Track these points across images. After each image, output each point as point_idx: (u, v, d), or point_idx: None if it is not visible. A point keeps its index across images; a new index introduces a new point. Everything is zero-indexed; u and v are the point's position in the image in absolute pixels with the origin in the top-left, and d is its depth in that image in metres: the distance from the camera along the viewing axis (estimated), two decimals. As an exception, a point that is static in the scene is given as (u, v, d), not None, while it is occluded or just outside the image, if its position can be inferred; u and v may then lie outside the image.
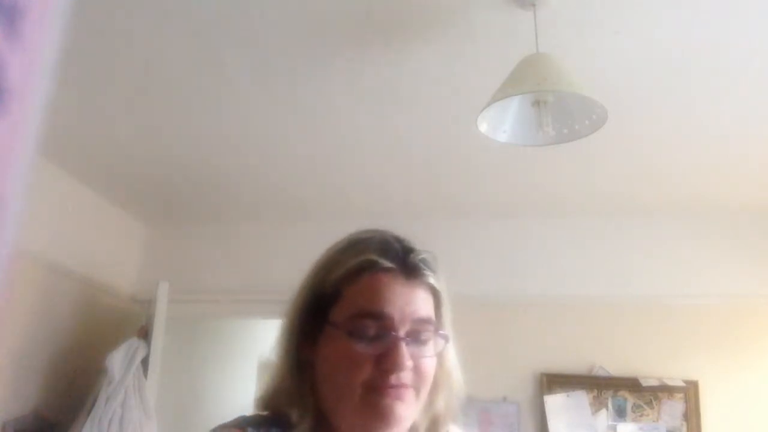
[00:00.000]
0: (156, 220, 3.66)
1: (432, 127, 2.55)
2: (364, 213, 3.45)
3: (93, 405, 2.88)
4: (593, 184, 3.02)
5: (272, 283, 3.48)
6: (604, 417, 3.09)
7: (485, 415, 3.16)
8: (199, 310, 3.53)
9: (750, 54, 2.02)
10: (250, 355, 4.63)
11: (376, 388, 0.80)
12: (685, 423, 3.02)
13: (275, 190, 3.22)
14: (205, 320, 3.90)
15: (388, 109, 2.43)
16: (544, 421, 3.11)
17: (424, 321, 0.84)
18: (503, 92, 1.71)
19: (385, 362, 0.80)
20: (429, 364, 0.84)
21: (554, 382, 3.16)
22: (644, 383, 3.08)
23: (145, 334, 3.11)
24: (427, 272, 0.86)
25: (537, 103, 1.78)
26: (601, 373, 3.15)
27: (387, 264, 0.84)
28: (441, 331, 0.87)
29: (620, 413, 3.09)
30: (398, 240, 0.89)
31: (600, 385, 3.13)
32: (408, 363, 0.81)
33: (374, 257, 0.85)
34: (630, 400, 3.09)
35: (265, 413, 0.87)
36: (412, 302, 0.84)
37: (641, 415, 3.07)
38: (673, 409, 3.05)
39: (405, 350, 0.81)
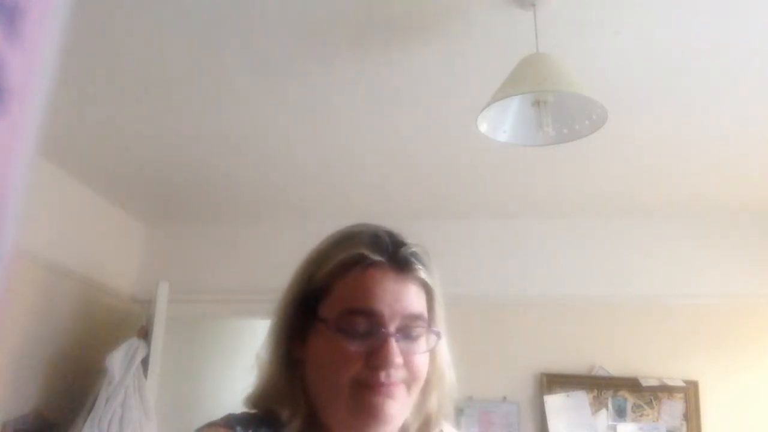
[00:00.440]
0: (156, 220, 3.66)
1: (432, 127, 2.55)
2: (364, 213, 3.43)
3: (93, 405, 2.88)
4: (593, 184, 3.02)
5: (272, 283, 3.46)
6: (604, 417, 3.09)
7: (485, 415, 3.16)
8: (199, 310, 3.53)
9: (750, 54, 2.02)
10: (250, 355, 4.62)
11: (366, 385, 0.79)
12: (685, 423, 3.02)
13: (275, 190, 3.22)
14: (205, 320, 3.90)
15: (388, 109, 2.43)
16: (544, 421, 3.11)
17: (415, 317, 0.82)
18: (503, 92, 1.71)
19: (374, 359, 0.78)
20: (420, 361, 0.82)
21: (554, 382, 3.16)
22: (644, 383, 3.08)
23: (145, 334, 3.11)
24: (418, 266, 0.84)
25: (537, 103, 1.78)
26: (601, 373, 3.15)
27: (376, 258, 0.82)
28: (433, 328, 0.85)
29: (620, 413, 3.09)
30: (389, 234, 0.87)
31: (600, 385, 3.13)
32: (398, 360, 0.79)
33: (364, 251, 0.83)
34: (630, 400, 3.09)
35: (253, 412, 0.86)
36: (402, 298, 0.82)
37: (641, 415, 3.07)
38: (673, 409, 3.05)
39: (395, 347, 0.79)
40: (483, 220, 3.44)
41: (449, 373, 0.88)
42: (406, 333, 0.81)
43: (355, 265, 0.82)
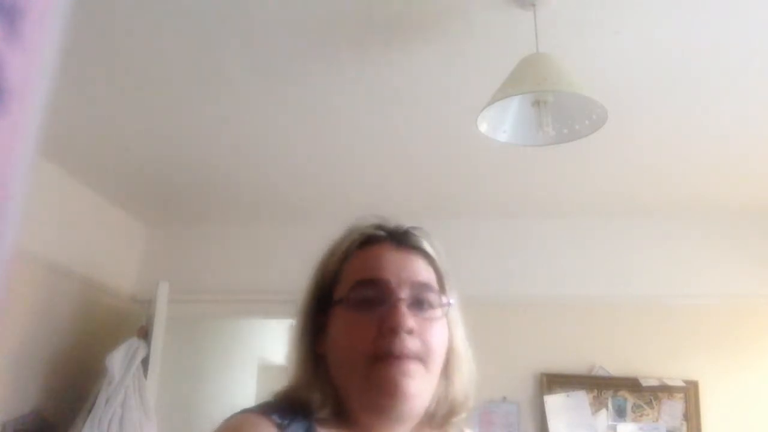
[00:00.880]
0: (156, 220, 3.66)
1: (432, 127, 2.55)
2: (364, 213, 3.44)
3: (93, 405, 2.87)
4: (593, 184, 3.02)
5: (272, 283, 3.48)
6: (604, 417, 3.09)
7: (485, 415, 3.16)
8: (199, 310, 3.53)
9: (750, 54, 2.02)
10: (250, 355, 4.63)
11: (380, 357, 0.77)
12: (685, 423, 3.02)
13: (275, 190, 3.22)
14: (205, 320, 3.90)
15: (388, 109, 2.43)
16: (544, 421, 3.11)
17: (425, 285, 0.82)
18: (503, 92, 1.71)
19: (385, 325, 0.78)
20: (435, 331, 0.81)
21: (554, 382, 3.16)
22: (644, 383, 3.08)
23: (145, 334, 3.11)
24: (421, 239, 0.86)
25: (537, 103, 1.78)
26: (601, 373, 3.15)
27: (378, 233, 0.86)
28: (445, 298, 0.84)
29: (620, 413, 3.09)
30: (391, 220, 0.90)
31: (600, 385, 3.13)
32: (409, 323, 0.78)
33: (365, 231, 0.86)
34: (630, 400, 3.09)
35: (286, 401, 0.85)
36: (408, 267, 0.83)
37: (641, 415, 3.07)
38: (673, 409, 3.05)
39: (405, 311, 0.79)
40: (483, 220, 3.44)
41: (468, 357, 0.88)
42: (418, 302, 0.81)
43: (359, 247, 0.85)
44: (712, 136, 2.54)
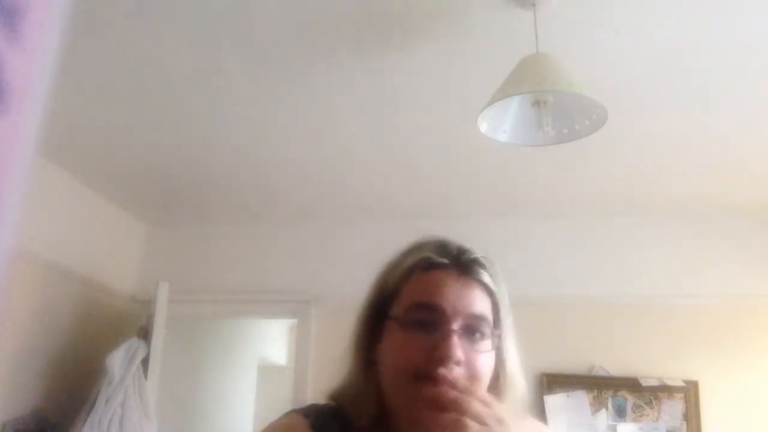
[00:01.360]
0: (156, 220, 3.66)
1: (432, 127, 2.55)
2: (364, 213, 3.45)
3: (93, 405, 2.87)
4: (593, 184, 3.02)
5: (272, 283, 3.49)
6: (604, 417, 3.09)
7: (485, 415, 3.15)
8: (199, 310, 3.54)
9: (750, 54, 2.02)
10: (250, 355, 4.63)
11: (427, 377, 0.80)
12: (685, 423, 3.02)
13: (275, 190, 3.22)
14: (205, 320, 3.91)
15: (388, 109, 2.43)
16: (544, 421, 3.11)
17: (479, 317, 0.85)
18: (503, 92, 1.71)
19: (436, 353, 0.80)
20: (482, 361, 0.84)
21: (554, 382, 3.16)
22: (644, 383, 3.08)
23: (145, 334, 3.11)
24: (482, 272, 0.88)
25: (537, 103, 1.78)
26: (601, 373, 3.15)
27: (441, 260, 0.87)
28: (497, 331, 0.87)
29: (620, 413, 3.09)
30: (456, 243, 0.92)
31: (600, 385, 3.13)
32: (458, 354, 0.80)
33: (429, 255, 0.88)
34: (630, 400, 3.10)
35: (332, 404, 0.91)
36: (465, 297, 0.85)
37: (641, 415, 3.07)
38: (673, 409, 3.05)
39: (456, 342, 0.81)
40: (483, 220, 3.44)
41: (520, 379, 0.91)
42: (470, 332, 0.84)
43: (422, 269, 0.88)
44: (712, 136, 2.54)
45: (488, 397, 0.79)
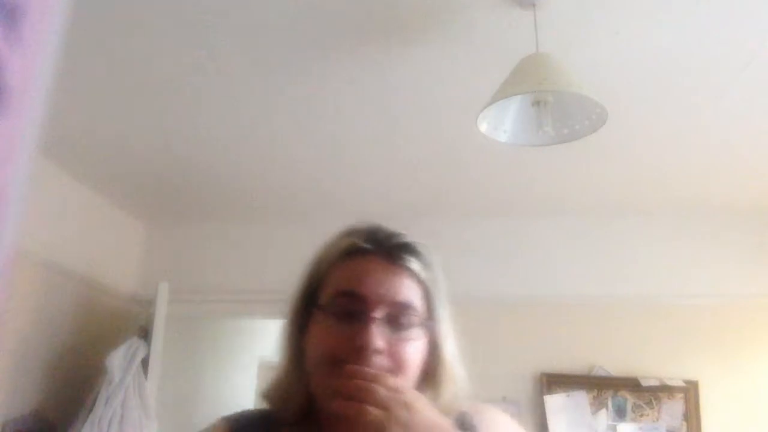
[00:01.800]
0: (156, 220, 3.66)
1: (432, 127, 2.55)
2: (364, 213, 3.44)
3: (93, 405, 2.87)
4: (593, 184, 3.02)
5: (272, 283, 3.48)
6: (604, 417, 3.09)
7: (485, 415, 3.15)
8: (199, 310, 3.54)
9: (750, 54, 2.02)
10: (250, 355, 4.63)
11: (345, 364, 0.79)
12: (685, 423, 3.02)
13: (275, 190, 3.22)
14: (205, 320, 3.90)
15: (387, 109, 2.43)
16: (544, 421, 3.11)
17: (404, 305, 0.82)
18: (503, 92, 1.71)
19: (354, 342, 0.79)
20: (408, 350, 0.81)
21: (554, 382, 3.16)
22: (644, 383, 3.08)
23: (145, 334, 3.11)
24: (410, 258, 0.85)
25: (537, 103, 1.78)
26: (601, 373, 3.15)
27: (368, 247, 0.86)
28: (427, 321, 0.85)
29: (620, 413, 3.09)
30: (387, 229, 0.90)
31: (600, 385, 3.13)
32: (377, 344, 0.78)
33: (357, 241, 0.87)
34: (630, 400, 3.09)
35: (262, 408, 0.89)
36: (390, 285, 0.83)
37: (641, 415, 3.07)
38: (673, 409, 3.05)
39: (375, 331, 0.79)
40: (483, 220, 3.44)
41: (459, 369, 0.88)
42: (394, 320, 0.82)
43: (348, 255, 0.86)
44: (711, 136, 2.54)
45: (399, 384, 0.77)
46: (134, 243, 3.63)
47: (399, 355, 0.81)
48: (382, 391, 0.74)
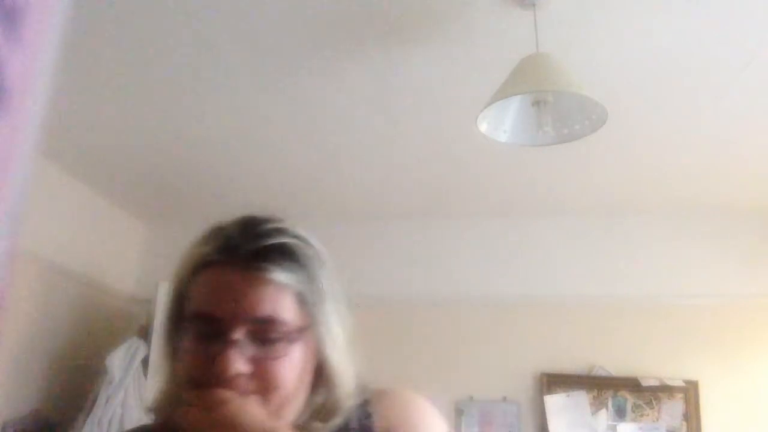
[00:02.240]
0: (156, 220, 3.66)
1: (432, 127, 2.55)
2: (364, 213, 3.45)
3: (93, 405, 2.87)
4: (593, 184, 3.02)
5: (272, 283, 3.48)
6: (604, 417, 3.09)
7: (485, 415, 3.16)
8: (199, 310, 3.53)
9: (750, 54, 2.02)
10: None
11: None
12: (685, 423, 3.02)
13: (274, 190, 3.22)
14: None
15: (387, 109, 2.43)
16: (544, 421, 3.11)
17: (267, 320, 0.74)
18: (503, 92, 1.71)
19: (212, 370, 0.72)
20: (276, 369, 0.74)
21: (554, 382, 3.16)
22: (644, 383, 3.08)
23: (145, 334, 3.11)
24: (271, 266, 0.75)
25: (537, 103, 1.78)
26: (601, 373, 3.15)
27: (222, 258, 0.77)
28: (301, 330, 0.76)
29: (620, 413, 3.09)
30: (248, 229, 0.79)
31: (600, 385, 3.13)
32: (235, 369, 0.72)
33: (208, 252, 0.78)
34: (630, 400, 3.10)
35: (148, 423, 0.85)
36: (247, 301, 0.74)
37: (641, 415, 3.07)
38: (673, 409, 3.05)
39: (232, 355, 0.72)
40: (483, 220, 3.44)
41: (345, 369, 0.80)
42: (259, 338, 0.74)
43: (204, 267, 0.78)
44: (711, 136, 2.54)
45: (249, 408, 0.71)
46: (134, 243, 3.63)
47: (267, 375, 0.74)
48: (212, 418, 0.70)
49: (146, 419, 0.87)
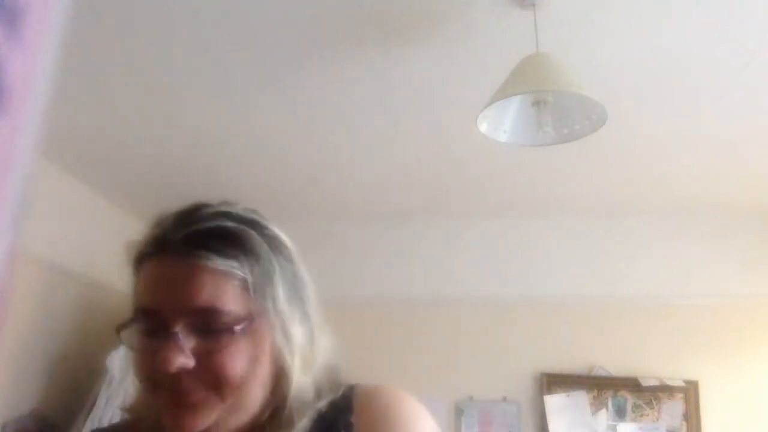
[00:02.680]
0: (156, 220, 3.66)
1: (432, 127, 2.55)
2: (364, 213, 3.45)
3: (93, 405, 2.87)
4: (593, 184, 3.02)
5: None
6: (604, 417, 3.09)
7: (485, 415, 3.16)
8: (199, 310, 3.53)
9: (750, 54, 2.02)
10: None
11: (159, 386, 0.72)
12: (685, 423, 3.02)
13: (274, 190, 3.22)
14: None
15: (387, 109, 2.43)
16: (544, 421, 3.11)
17: (206, 311, 0.70)
18: (503, 92, 1.71)
19: (155, 367, 0.70)
20: (222, 360, 0.70)
21: (554, 382, 3.16)
22: (644, 383, 3.08)
23: (145, 334, 3.11)
24: (209, 253, 0.72)
25: (537, 103, 1.78)
26: (601, 373, 3.15)
27: (157, 249, 0.76)
28: (248, 318, 0.72)
29: (620, 413, 3.09)
30: (185, 215, 0.78)
31: (600, 385, 3.13)
32: (178, 363, 0.69)
33: (145, 243, 0.77)
34: (630, 400, 3.10)
35: (121, 421, 0.86)
36: (184, 290, 0.71)
37: (641, 415, 3.07)
38: (673, 409, 3.05)
39: (173, 349, 0.69)
40: (483, 220, 3.44)
41: (301, 362, 0.76)
42: (202, 329, 0.71)
43: (142, 261, 0.77)
44: (711, 136, 2.54)
45: None
46: (134, 243, 3.63)
47: (212, 367, 0.70)
48: None
49: (120, 418, 0.89)
